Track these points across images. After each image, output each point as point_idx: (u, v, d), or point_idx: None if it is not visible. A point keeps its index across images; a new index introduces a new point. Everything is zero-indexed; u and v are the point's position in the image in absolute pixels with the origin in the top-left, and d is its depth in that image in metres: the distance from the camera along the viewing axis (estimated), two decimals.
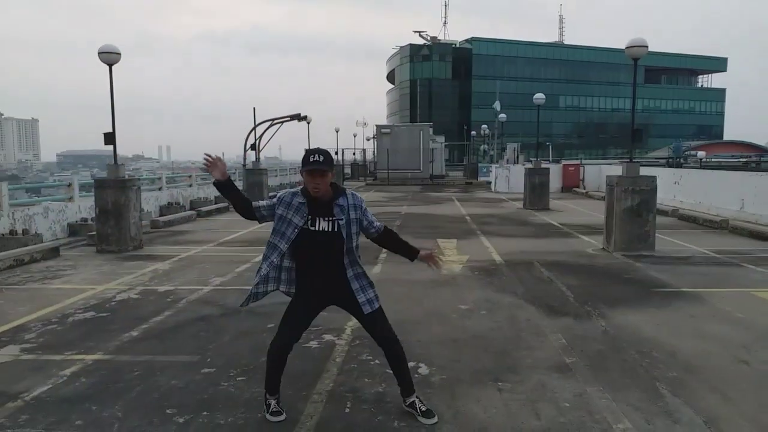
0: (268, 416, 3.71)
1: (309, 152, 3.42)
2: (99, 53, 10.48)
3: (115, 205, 10.43)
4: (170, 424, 3.67)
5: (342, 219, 3.46)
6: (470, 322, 5.95)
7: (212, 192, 21.27)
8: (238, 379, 4.41)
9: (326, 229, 3.46)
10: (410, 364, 3.93)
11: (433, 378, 4.36)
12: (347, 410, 3.85)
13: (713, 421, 3.66)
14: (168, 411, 3.85)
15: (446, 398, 4.01)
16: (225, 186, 3.54)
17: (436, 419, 3.63)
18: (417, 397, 3.74)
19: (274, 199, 3.53)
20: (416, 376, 4.31)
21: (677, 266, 8.84)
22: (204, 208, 17.31)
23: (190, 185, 20.41)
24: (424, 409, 3.68)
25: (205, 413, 3.81)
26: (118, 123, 10.65)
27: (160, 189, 17.93)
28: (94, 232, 10.88)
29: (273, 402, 3.74)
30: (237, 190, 3.62)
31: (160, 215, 15.81)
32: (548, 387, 4.22)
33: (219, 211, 17.91)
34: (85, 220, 12.64)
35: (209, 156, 3.58)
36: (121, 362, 4.80)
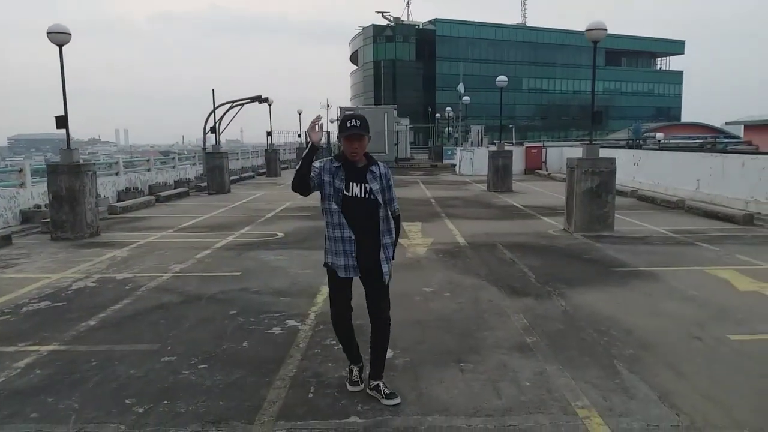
0: (348, 386, 3.88)
1: (346, 117, 3.48)
2: (48, 33, 10.10)
3: (70, 190, 10.12)
4: (129, 414, 3.60)
5: (376, 185, 3.55)
6: (434, 304, 5.99)
7: (171, 177, 20.85)
8: (199, 366, 4.35)
9: (359, 195, 3.53)
10: None
11: (397, 360, 4.37)
12: (310, 395, 3.84)
13: (667, 396, 3.77)
14: (127, 401, 3.77)
15: (410, 380, 4.04)
16: (313, 152, 3.50)
17: (398, 400, 3.66)
18: (382, 381, 3.76)
19: (316, 169, 3.56)
20: None
21: (635, 246, 9.07)
22: (163, 193, 16.97)
23: (149, 170, 19.90)
24: (387, 392, 3.70)
25: (165, 402, 3.75)
26: (72, 106, 10.31)
27: (117, 174, 17.45)
28: (48, 219, 10.55)
29: (355, 369, 3.90)
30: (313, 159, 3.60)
31: (118, 201, 15.43)
32: (509, 366, 4.28)
33: (179, 196, 17.59)
34: (39, 206, 12.23)
35: (318, 120, 3.52)
36: (78, 352, 4.68)
